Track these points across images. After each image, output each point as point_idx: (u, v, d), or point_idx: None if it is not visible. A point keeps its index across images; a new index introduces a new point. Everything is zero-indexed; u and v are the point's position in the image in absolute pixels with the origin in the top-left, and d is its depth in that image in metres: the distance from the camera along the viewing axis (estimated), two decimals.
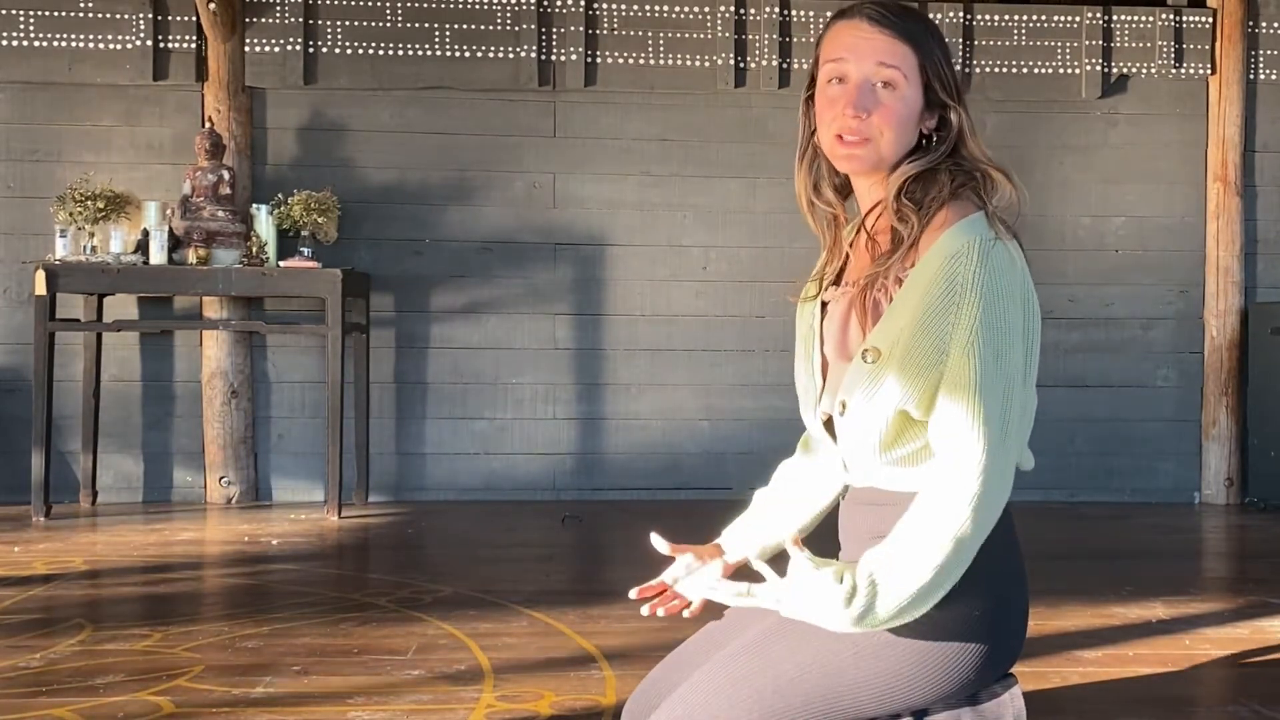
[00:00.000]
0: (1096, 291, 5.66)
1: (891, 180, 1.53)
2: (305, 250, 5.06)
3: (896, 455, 1.49)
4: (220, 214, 5.02)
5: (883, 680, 1.45)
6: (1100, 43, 5.61)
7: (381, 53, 5.40)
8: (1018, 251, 1.50)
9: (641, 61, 5.50)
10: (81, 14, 5.27)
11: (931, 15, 5.52)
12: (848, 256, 1.65)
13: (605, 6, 5.48)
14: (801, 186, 1.66)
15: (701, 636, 1.71)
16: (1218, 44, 5.66)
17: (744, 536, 1.80)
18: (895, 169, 1.54)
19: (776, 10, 5.49)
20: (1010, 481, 1.46)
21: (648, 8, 5.50)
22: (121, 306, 5.28)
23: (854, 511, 1.61)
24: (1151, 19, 5.65)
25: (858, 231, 1.63)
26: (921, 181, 1.52)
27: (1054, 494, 5.56)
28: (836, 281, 1.64)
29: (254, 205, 5.13)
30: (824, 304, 1.63)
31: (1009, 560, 1.54)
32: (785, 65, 5.52)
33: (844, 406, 1.51)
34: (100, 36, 5.28)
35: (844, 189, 1.65)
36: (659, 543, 1.71)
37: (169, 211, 5.05)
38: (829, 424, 1.59)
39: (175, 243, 4.98)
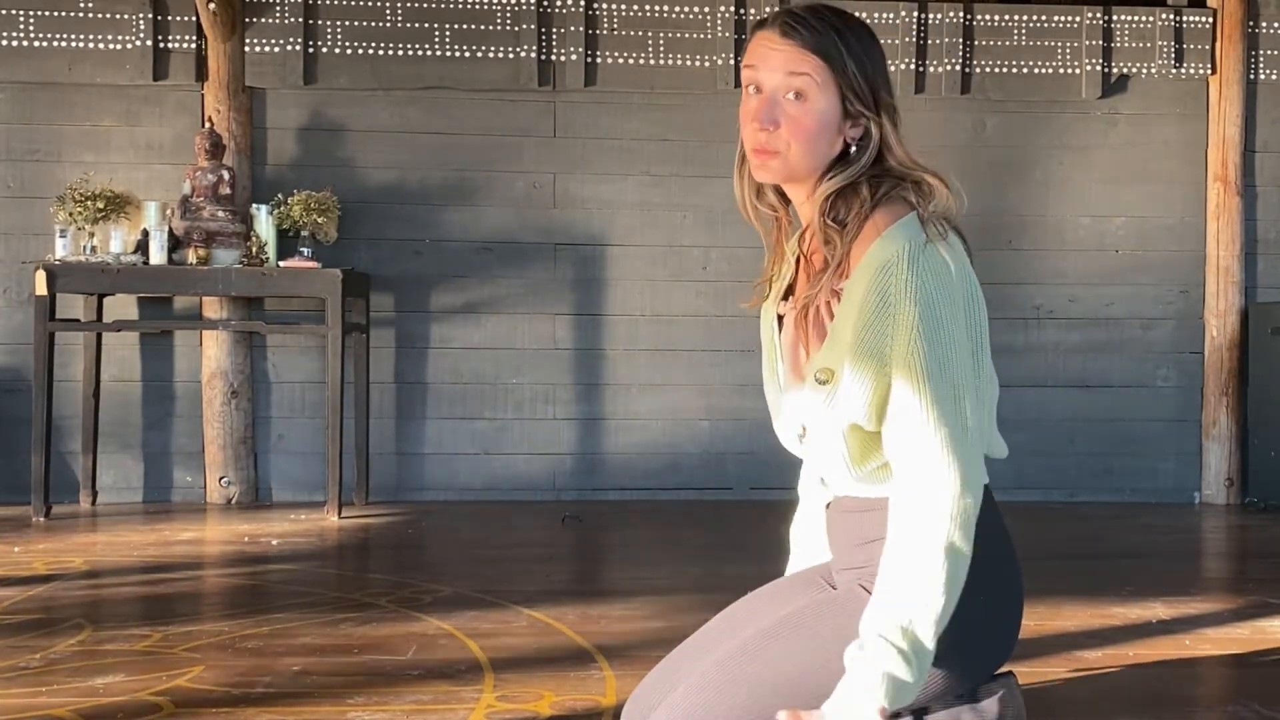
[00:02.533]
0: (1096, 291, 5.65)
1: (814, 202, 1.52)
2: (305, 250, 5.06)
3: (867, 470, 1.50)
4: (220, 214, 5.02)
5: None
6: (1100, 43, 5.61)
7: (381, 53, 5.40)
8: (956, 245, 1.48)
9: (641, 61, 5.50)
10: (81, 14, 5.27)
11: (932, 15, 5.53)
12: (798, 269, 1.64)
13: (605, 6, 5.48)
14: (742, 190, 1.65)
15: (701, 636, 1.71)
16: (1218, 44, 5.66)
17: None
18: (821, 181, 1.52)
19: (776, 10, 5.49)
20: (980, 475, 1.44)
21: (648, 8, 5.50)
22: (121, 306, 5.28)
23: (837, 520, 1.61)
24: (1151, 19, 5.65)
25: (799, 245, 1.62)
26: (844, 197, 1.51)
27: (1054, 494, 5.57)
28: (789, 294, 1.64)
29: (254, 205, 5.13)
30: (780, 317, 1.63)
31: (1001, 557, 1.54)
32: None
33: (804, 430, 1.52)
34: (100, 36, 5.28)
35: (785, 193, 1.64)
36: None
37: (169, 211, 5.05)
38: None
39: (175, 243, 4.98)
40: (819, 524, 1.76)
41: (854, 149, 1.52)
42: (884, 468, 1.49)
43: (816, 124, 1.50)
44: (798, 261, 1.64)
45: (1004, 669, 1.58)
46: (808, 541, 1.78)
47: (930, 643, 1.36)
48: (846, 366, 1.44)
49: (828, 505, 1.65)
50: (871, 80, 1.51)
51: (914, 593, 1.36)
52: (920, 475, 1.40)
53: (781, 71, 1.50)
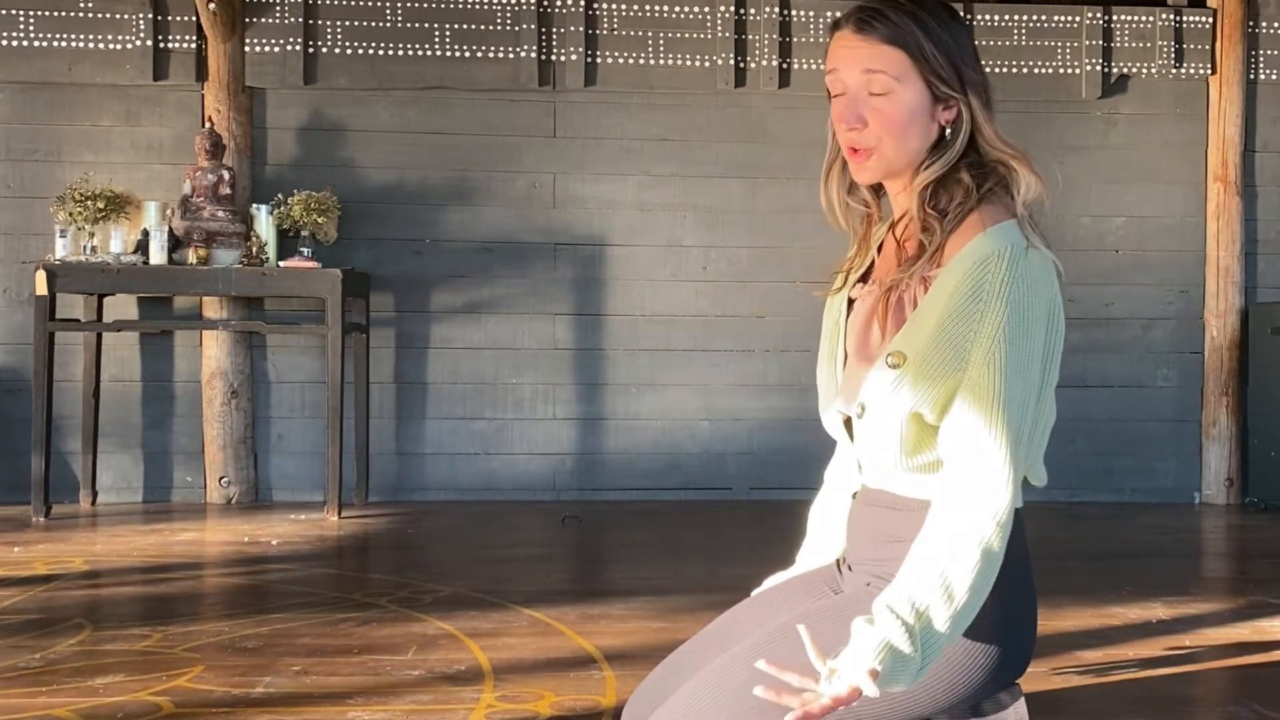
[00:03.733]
0: (1096, 291, 5.66)
1: (913, 191, 1.51)
2: (305, 250, 5.06)
3: (918, 462, 1.47)
4: (220, 214, 5.02)
5: (888, 696, 1.43)
6: (1100, 43, 5.61)
7: (381, 53, 5.40)
8: (1052, 261, 1.46)
9: (641, 61, 5.50)
10: (81, 14, 5.27)
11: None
12: (877, 255, 1.63)
13: (605, 6, 5.48)
14: (833, 192, 1.62)
15: (703, 637, 1.70)
16: (1218, 44, 5.66)
17: (812, 561, 1.78)
18: (919, 171, 1.52)
19: (776, 10, 5.49)
20: (1020, 491, 1.44)
21: (648, 8, 5.50)
22: (121, 306, 5.28)
23: (866, 513, 1.58)
24: (1151, 19, 5.65)
25: (888, 232, 1.61)
26: (945, 186, 1.50)
27: (1054, 494, 5.56)
28: (865, 279, 1.62)
29: (254, 205, 5.13)
30: (850, 301, 1.62)
31: (1019, 568, 1.52)
32: (785, 65, 5.52)
33: (863, 409, 1.50)
34: (100, 36, 5.28)
35: (879, 186, 1.62)
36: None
37: (169, 211, 5.05)
38: (849, 423, 1.57)
39: (175, 243, 4.98)
40: (839, 513, 1.75)
41: (949, 132, 1.51)
42: (930, 465, 1.47)
43: (904, 115, 1.49)
44: (880, 248, 1.62)
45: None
46: (826, 528, 1.77)
47: (942, 631, 1.33)
48: (922, 353, 1.42)
49: (854, 494, 1.63)
50: (955, 60, 1.50)
51: (939, 582, 1.33)
52: (976, 472, 1.38)
53: (859, 69, 1.49)
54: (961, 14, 1.53)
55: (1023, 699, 1.56)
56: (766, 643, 1.49)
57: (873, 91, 1.49)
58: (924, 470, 1.48)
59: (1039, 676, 2.58)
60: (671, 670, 1.66)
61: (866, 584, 1.52)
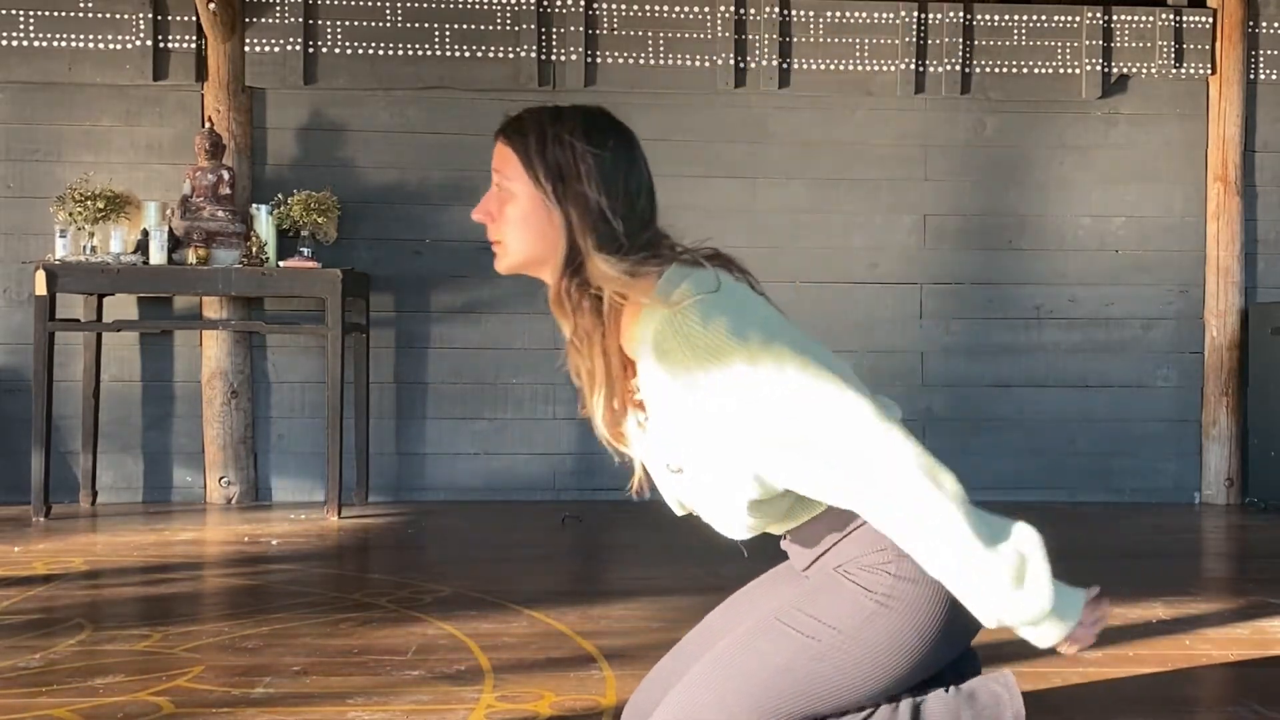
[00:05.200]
0: (1096, 291, 5.66)
1: (562, 325, 1.56)
2: (305, 250, 5.06)
3: (780, 516, 1.53)
4: (220, 214, 5.02)
5: (868, 659, 1.48)
6: (1100, 43, 5.61)
7: (381, 53, 5.40)
8: (711, 286, 1.46)
9: (641, 61, 5.50)
10: (81, 14, 5.27)
11: (932, 15, 5.52)
12: None
13: (605, 6, 5.48)
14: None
15: (698, 634, 1.72)
16: (1218, 44, 5.66)
17: None
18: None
19: (776, 10, 5.49)
20: (894, 414, 1.45)
21: (648, 8, 5.50)
22: (121, 306, 5.28)
23: (789, 545, 1.66)
24: (1151, 19, 5.65)
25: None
26: (581, 310, 1.54)
27: (1054, 494, 5.56)
28: None
29: (254, 205, 5.13)
30: None
31: None
32: (785, 65, 5.52)
33: (697, 512, 1.58)
34: (100, 36, 5.28)
35: None
36: None
37: (169, 211, 5.05)
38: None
39: (175, 243, 4.98)
40: None
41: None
42: (796, 505, 1.52)
43: (515, 214, 1.57)
44: None
45: (1003, 669, 1.58)
46: None
47: (1015, 565, 1.50)
48: (692, 456, 1.46)
49: (782, 537, 1.67)
50: (565, 173, 1.52)
51: (964, 565, 1.42)
52: (875, 479, 1.40)
53: (492, 166, 1.58)
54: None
55: (1016, 685, 1.57)
56: (752, 634, 1.53)
57: (499, 188, 1.57)
58: (793, 513, 1.53)
59: (1039, 676, 2.58)
60: (670, 669, 1.68)
61: (832, 566, 1.55)
